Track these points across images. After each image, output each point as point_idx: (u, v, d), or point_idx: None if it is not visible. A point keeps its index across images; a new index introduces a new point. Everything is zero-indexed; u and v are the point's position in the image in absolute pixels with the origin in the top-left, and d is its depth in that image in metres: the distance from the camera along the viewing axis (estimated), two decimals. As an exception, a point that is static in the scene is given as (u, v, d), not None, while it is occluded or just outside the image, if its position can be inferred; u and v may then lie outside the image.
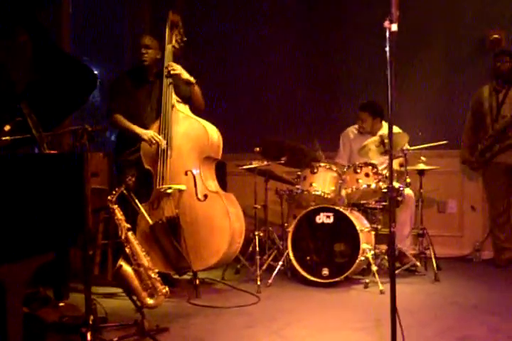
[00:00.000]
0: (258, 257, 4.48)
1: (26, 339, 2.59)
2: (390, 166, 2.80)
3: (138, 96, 4.49)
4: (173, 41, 4.38)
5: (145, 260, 3.41)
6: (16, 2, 2.76)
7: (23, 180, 2.32)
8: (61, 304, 3.74)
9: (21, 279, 2.31)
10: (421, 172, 4.85)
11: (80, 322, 3.23)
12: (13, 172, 2.30)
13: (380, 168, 4.74)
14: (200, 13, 5.96)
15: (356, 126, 5.31)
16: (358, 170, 4.65)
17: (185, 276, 4.35)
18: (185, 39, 4.40)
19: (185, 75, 4.38)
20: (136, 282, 3.35)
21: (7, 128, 2.79)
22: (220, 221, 4.20)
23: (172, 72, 4.32)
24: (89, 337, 2.96)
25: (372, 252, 4.45)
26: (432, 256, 4.74)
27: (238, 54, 6.10)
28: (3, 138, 2.81)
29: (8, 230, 2.20)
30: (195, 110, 4.50)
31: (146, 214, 4.00)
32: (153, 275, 3.39)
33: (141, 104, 4.48)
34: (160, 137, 4.28)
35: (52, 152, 2.72)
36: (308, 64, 6.03)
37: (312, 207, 4.60)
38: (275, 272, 4.52)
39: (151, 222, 4.06)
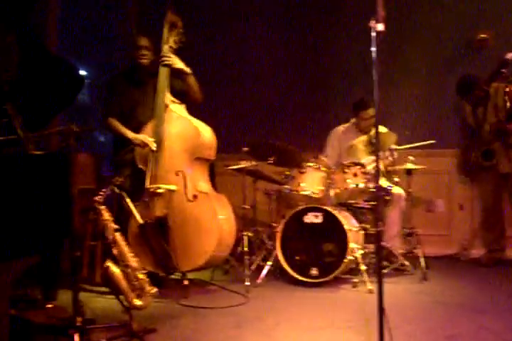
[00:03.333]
0: (247, 257, 4.47)
1: (14, 341, 2.58)
2: (376, 166, 2.81)
3: (133, 97, 4.49)
4: (171, 41, 4.36)
5: (132, 261, 3.40)
6: (4, 2, 2.74)
7: (7, 180, 2.30)
8: (49, 305, 3.72)
9: (7, 280, 2.30)
10: (409, 171, 4.87)
11: (67, 323, 3.22)
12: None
13: (368, 167, 4.75)
14: (188, 13, 5.94)
15: (345, 125, 5.31)
16: (347, 170, 4.66)
17: (175, 277, 4.35)
18: (183, 39, 4.38)
19: (180, 65, 4.36)
20: (123, 283, 3.33)
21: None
22: (208, 222, 4.20)
23: (166, 62, 4.31)
24: (77, 338, 2.95)
25: (361, 252, 4.46)
26: (421, 255, 4.75)
27: (226, 54, 6.10)
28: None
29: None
30: (192, 102, 4.49)
31: (136, 214, 3.98)
32: (141, 276, 3.38)
33: (137, 105, 4.50)
34: (151, 140, 4.28)
35: (36, 152, 2.70)
36: (297, 63, 6.04)
37: (301, 207, 4.60)
38: (264, 272, 4.52)
39: (140, 221, 4.05)
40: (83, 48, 6.25)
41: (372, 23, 2.66)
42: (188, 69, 4.38)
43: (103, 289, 4.12)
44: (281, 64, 6.04)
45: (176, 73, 4.39)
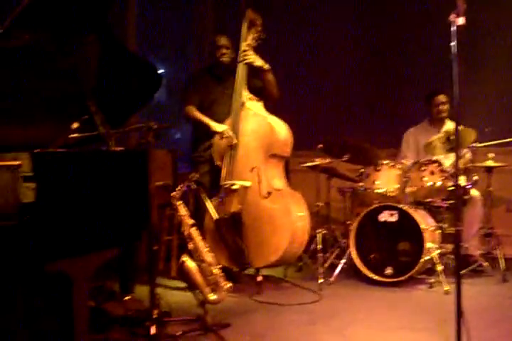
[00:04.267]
0: (320, 255, 4.45)
1: (92, 332, 2.67)
2: (456, 164, 2.74)
3: (213, 93, 4.58)
4: (250, 39, 4.39)
5: (208, 256, 3.45)
6: (84, 2, 2.82)
7: (90, 175, 2.38)
8: (126, 298, 3.82)
9: (87, 273, 2.37)
10: (489, 169, 4.71)
11: (144, 316, 3.30)
12: (80, 168, 2.37)
13: (446, 165, 4.64)
14: (267, 10, 5.97)
15: (417, 126, 5.22)
16: (423, 168, 4.56)
17: (248, 272, 4.38)
18: (263, 37, 4.41)
19: (259, 62, 4.39)
20: (199, 277, 3.39)
21: (75, 125, 2.87)
22: (282, 219, 4.20)
23: (245, 59, 4.35)
24: (153, 330, 3.02)
25: (438, 251, 4.36)
26: (500, 256, 4.60)
27: (303, 50, 6.08)
28: (71, 136, 2.90)
29: (73, 225, 2.27)
30: (270, 99, 4.51)
31: (211, 209, 4.03)
32: (216, 271, 3.42)
33: (216, 102, 4.58)
34: (231, 133, 4.33)
35: (118, 149, 2.78)
36: (374, 59, 5.96)
37: (375, 205, 4.54)
38: (337, 270, 4.49)
39: (215, 216, 4.10)
40: (160, 47, 6.38)
41: (452, 17, 2.59)
42: (266, 66, 4.40)
43: (178, 283, 4.20)
44: (357, 60, 5.97)
45: (254, 70, 4.42)
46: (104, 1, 2.86)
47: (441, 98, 5.02)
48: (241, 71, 4.39)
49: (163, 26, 6.24)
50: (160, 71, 3.31)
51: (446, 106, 5.06)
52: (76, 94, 2.83)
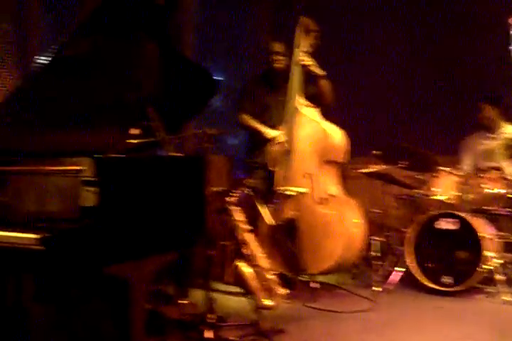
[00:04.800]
0: (375, 262, 4.40)
1: (148, 334, 2.70)
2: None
3: (267, 100, 4.61)
4: (305, 45, 4.39)
5: (263, 261, 3.45)
6: (145, 11, 2.88)
7: (149, 181, 2.42)
8: (182, 302, 3.87)
9: (145, 277, 2.41)
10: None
11: (199, 320, 3.33)
12: (140, 173, 2.41)
13: (506, 171, 4.52)
14: (319, 16, 5.96)
15: (478, 131, 5.11)
16: (482, 175, 4.46)
17: (303, 279, 4.37)
18: (318, 43, 4.41)
19: (314, 67, 4.39)
20: (254, 283, 3.39)
21: (134, 131, 2.92)
22: (337, 225, 4.17)
23: (302, 62, 4.34)
24: (207, 334, 3.04)
25: (498, 261, 4.25)
26: None
27: (355, 54, 6.04)
28: (131, 141, 2.95)
29: (133, 229, 2.31)
30: (324, 105, 4.51)
31: (266, 215, 4.04)
32: (271, 276, 3.42)
33: (270, 108, 4.60)
34: (285, 138, 4.34)
35: (176, 154, 2.82)
36: (430, 64, 5.86)
37: (432, 213, 4.46)
38: (393, 278, 4.42)
39: (270, 222, 4.10)
40: (217, 54, 6.45)
41: (511, 20, 2.53)
42: (321, 72, 4.40)
43: (233, 288, 4.22)
44: (413, 64, 5.89)
45: (309, 76, 4.41)
46: (164, 9, 2.91)
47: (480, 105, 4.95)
48: (296, 75, 4.38)
49: (219, 33, 6.31)
50: (218, 78, 3.34)
51: (485, 114, 4.95)
52: (135, 100, 2.88)
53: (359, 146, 4.85)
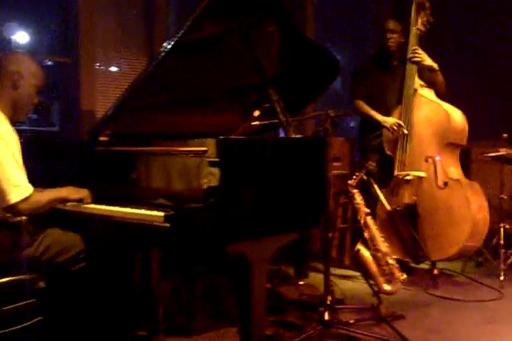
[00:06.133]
0: (503, 250, 4.20)
1: (268, 313, 2.75)
2: None
3: (382, 81, 4.48)
4: (419, 24, 4.26)
5: (383, 245, 3.40)
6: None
7: (271, 162, 2.44)
8: (301, 282, 3.91)
9: (266, 255, 2.44)
10: None
11: (317, 301, 3.35)
12: (262, 154, 2.43)
13: None
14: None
15: None
16: None
17: (423, 265, 4.27)
18: (431, 21, 4.26)
19: (428, 61, 4.25)
20: (373, 267, 3.36)
21: (256, 113, 2.96)
22: (461, 210, 4.02)
23: (414, 59, 4.22)
24: (326, 316, 3.05)
25: None
26: None
27: (484, 36, 5.74)
28: (253, 123, 2.99)
29: (255, 209, 2.34)
30: (436, 95, 4.36)
31: (384, 200, 3.97)
32: (391, 261, 3.36)
33: (385, 89, 4.47)
34: (401, 123, 4.22)
35: (297, 136, 2.82)
36: None
37: None
38: (521, 267, 4.22)
39: (389, 208, 4.03)
40: (337, 35, 6.38)
41: None
42: (435, 66, 4.24)
43: (351, 271, 4.20)
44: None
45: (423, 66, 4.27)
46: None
47: None
48: (410, 70, 4.24)
49: (339, 14, 6.23)
50: (337, 59, 3.30)
51: None
52: (258, 82, 2.91)
53: (487, 129, 4.64)
